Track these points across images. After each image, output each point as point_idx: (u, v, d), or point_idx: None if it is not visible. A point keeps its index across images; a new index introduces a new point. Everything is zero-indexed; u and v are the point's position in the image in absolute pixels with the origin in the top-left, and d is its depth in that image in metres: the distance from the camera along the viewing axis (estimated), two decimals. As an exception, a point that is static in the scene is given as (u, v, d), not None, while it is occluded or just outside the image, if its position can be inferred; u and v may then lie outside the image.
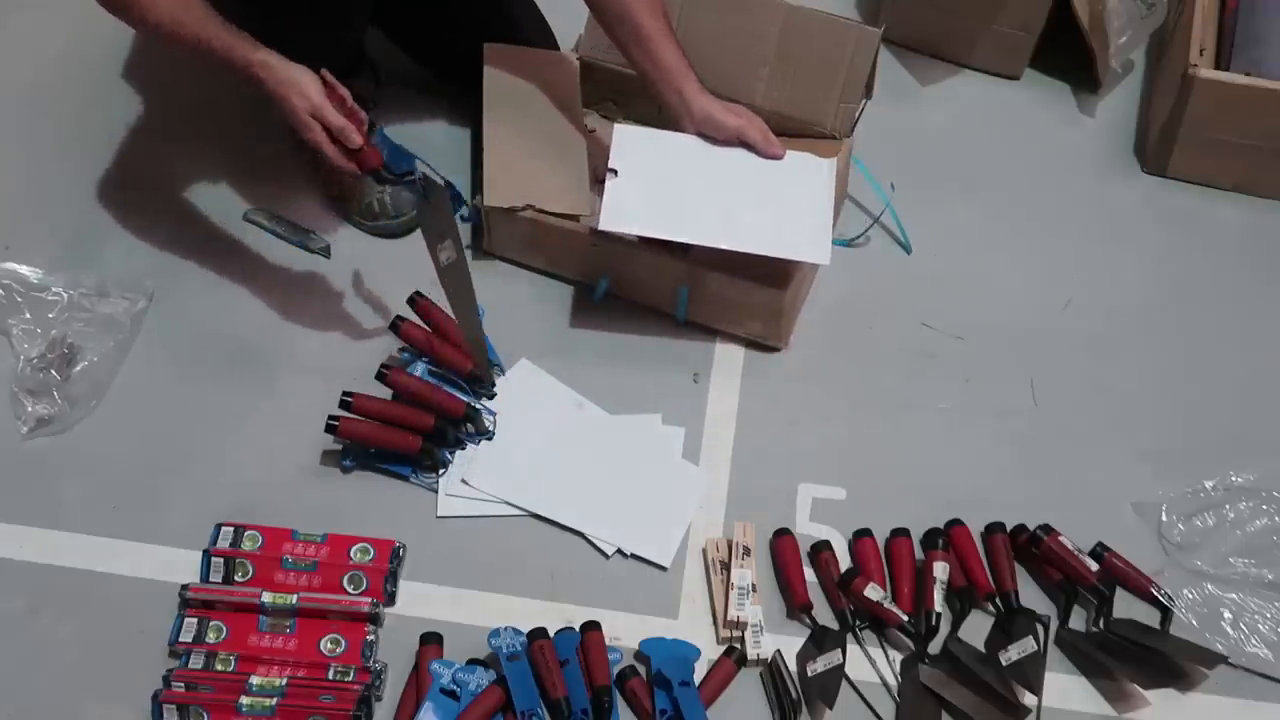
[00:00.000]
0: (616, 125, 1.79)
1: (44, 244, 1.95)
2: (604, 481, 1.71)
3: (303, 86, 1.60)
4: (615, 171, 1.74)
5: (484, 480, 1.70)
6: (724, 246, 1.70)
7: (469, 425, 1.71)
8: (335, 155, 1.63)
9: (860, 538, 1.65)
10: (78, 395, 1.77)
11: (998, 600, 1.59)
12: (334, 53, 1.88)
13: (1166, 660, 1.54)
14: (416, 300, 1.79)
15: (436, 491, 1.70)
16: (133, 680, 1.52)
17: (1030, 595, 1.61)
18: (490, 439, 1.74)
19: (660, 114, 2.04)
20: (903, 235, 1.99)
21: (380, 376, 1.69)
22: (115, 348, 1.82)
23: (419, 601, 1.61)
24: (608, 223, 1.72)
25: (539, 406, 1.77)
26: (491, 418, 1.75)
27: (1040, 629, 1.55)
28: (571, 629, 1.56)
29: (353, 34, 1.91)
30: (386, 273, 1.91)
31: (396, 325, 1.78)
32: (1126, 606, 1.59)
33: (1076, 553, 1.59)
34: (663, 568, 1.64)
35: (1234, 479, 1.72)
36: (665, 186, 1.74)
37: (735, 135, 1.75)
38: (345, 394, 1.68)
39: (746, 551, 1.61)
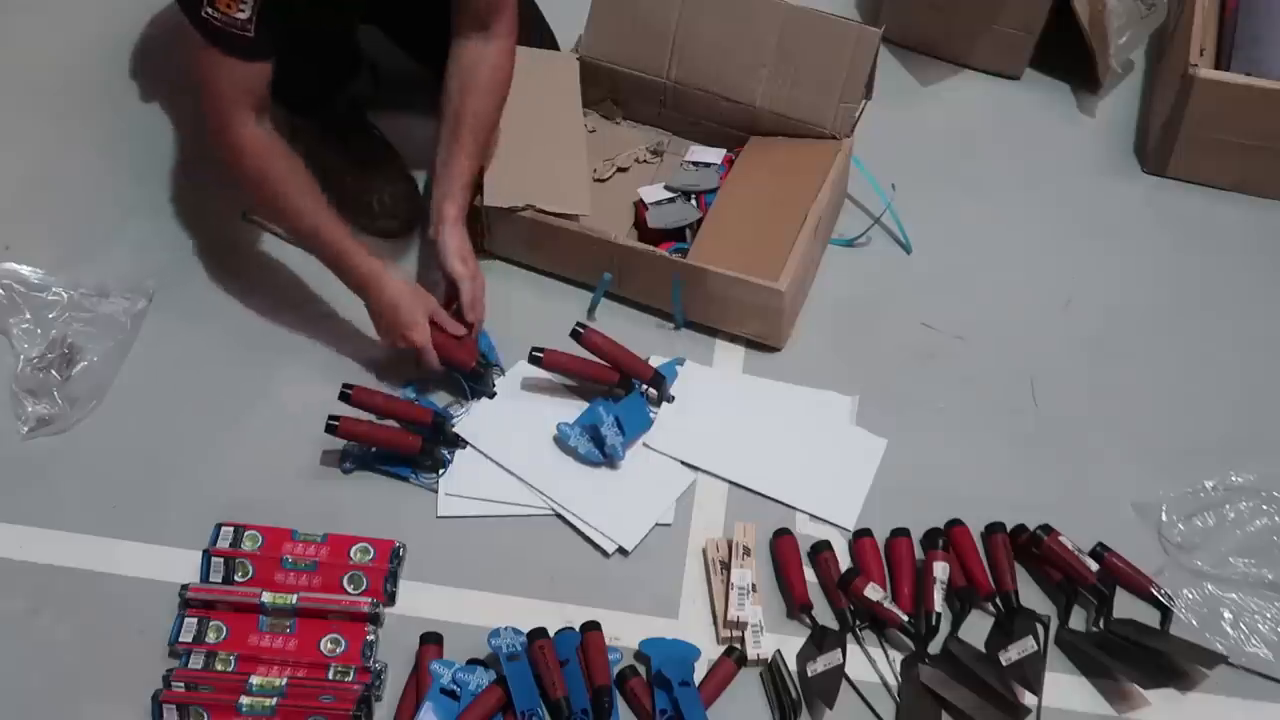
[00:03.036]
0: (687, 361, 1.81)
1: (44, 244, 1.95)
2: (785, 450, 1.75)
3: (409, 328, 1.71)
4: (673, 397, 1.77)
5: (665, 442, 1.75)
6: (760, 490, 1.71)
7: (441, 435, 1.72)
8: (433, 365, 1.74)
9: (860, 538, 1.65)
10: (78, 395, 1.77)
11: (998, 600, 1.59)
12: (329, 50, 1.88)
13: (1166, 660, 1.54)
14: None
15: (436, 491, 1.70)
16: (133, 680, 1.52)
17: (1030, 595, 1.61)
18: (492, 397, 1.78)
19: (660, 114, 2.05)
20: (903, 235, 1.99)
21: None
22: (115, 348, 1.82)
23: (419, 601, 1.61)
24: (659, 446, 1.74)
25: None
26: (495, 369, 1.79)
27: (1040, 629, 1.55)
28: (571, 629, 1.56)
29: (346, 30, 1.91)
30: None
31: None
32: (1126, 606, 1.59)
33: (1076, 553, 1.59)
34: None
35: (1234, 479, 1.72)
36: (713, 424, 1.76)
37: (449, 277, 1.76)
38: (345, 386, 1.68)
39: (746, 551, 1.61)
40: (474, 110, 1.76)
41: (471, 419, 1.76)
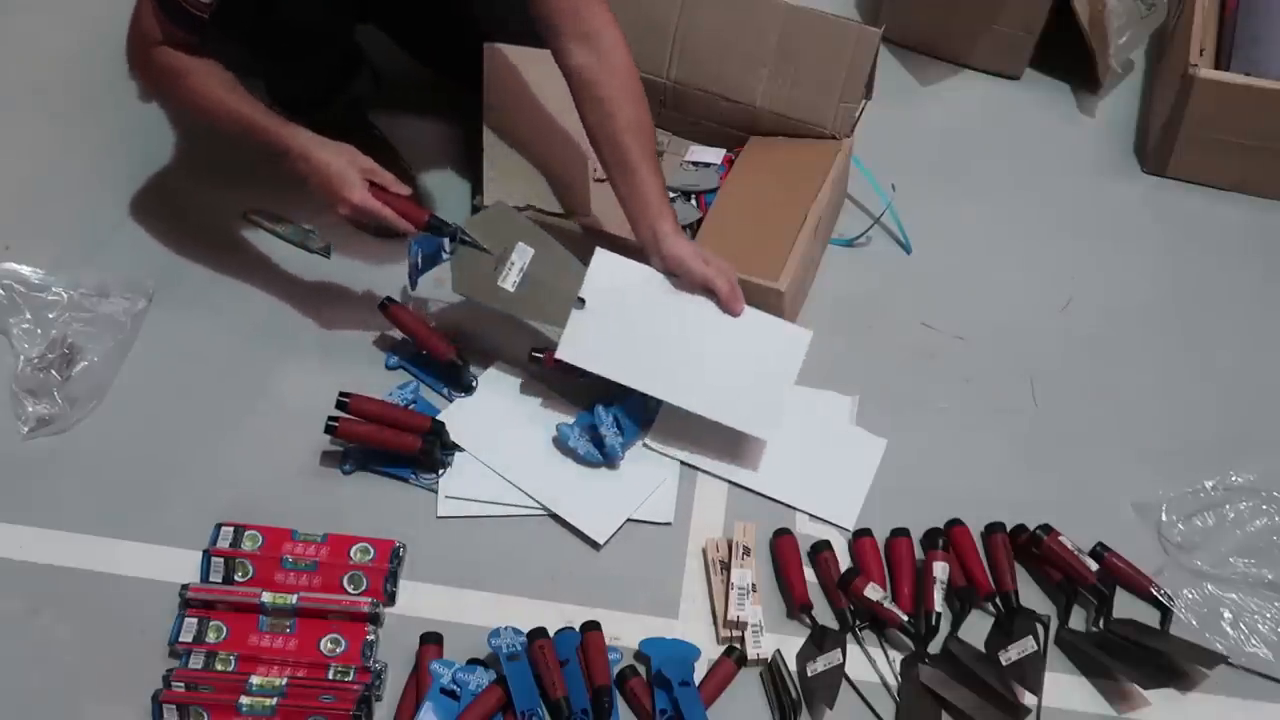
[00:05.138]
0: (598, 250, 1.72)
1: (44, 244, 1.95)
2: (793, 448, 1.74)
3: (343, 187, 1.62)
4: (583, 301, 1.70)
5: (665, 442, 1.73)
6: (676, 404, 1.68)
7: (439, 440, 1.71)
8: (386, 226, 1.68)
9: (860, 537, 1.65)
10: (78, 395, 1.77)
11: (998, 600, 1.59)
12: (328, 50, 1.88)
13: (1166, 660, 1.54)
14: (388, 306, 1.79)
15: (436, 492, 1.70)
16: (133, 680, 1.52)
17: (1030, 595, 1.61)
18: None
19: (660, 114, 2.05)
20: (903, 235, 1.99)
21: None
22: (115, 348, 1.82)
23: (419, 601, 1.61)
24: (566, 353, 1.69)
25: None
26: None
27: (1040, 629, 1.55)
28: (571, 629, 1.56)
29: (344, 30, 1.91)
30: (386, 273, 1.91)
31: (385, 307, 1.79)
32: (1126, 606, 1.59)
33: (1076, 553, 1.59)
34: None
35: (1234, 479, 1.72)
36: (631, 329, 1.69)
37: (702, 282, 1.67)
38: (341, 394, 1.68)
39: (746, 551, 1.61)
40: (626, 124, 1.66)
41: (454, 414, 1.75)
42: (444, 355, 1.77)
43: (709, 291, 1.68)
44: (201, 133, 2.09)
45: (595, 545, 1.65)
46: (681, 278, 1.69)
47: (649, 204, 1.66)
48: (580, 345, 1.69)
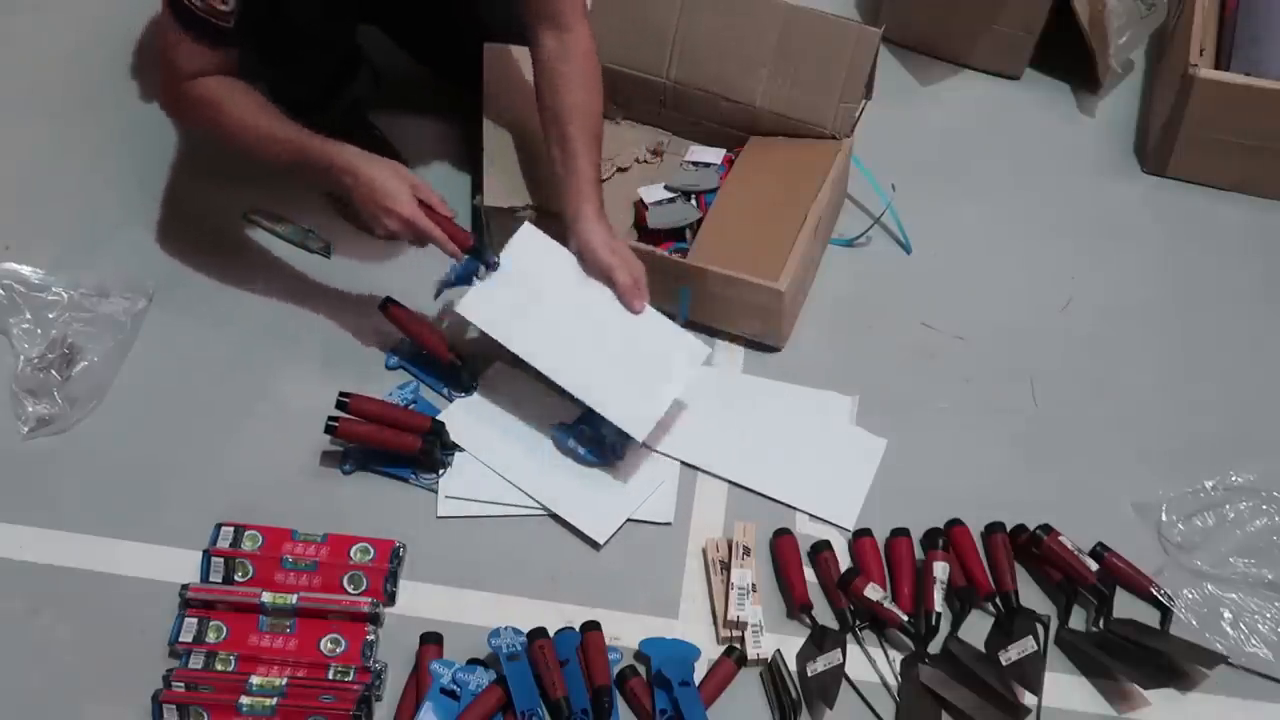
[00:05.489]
0: (525, 223, 1.74)
1: (44, 244, 1.95)
2: (783, 449, 1.74)
3: (393, 200, 1.61)
4: (497, 264, 1.69)
5: (665, 442, 1.72)
6: (562, 385, 1.68)
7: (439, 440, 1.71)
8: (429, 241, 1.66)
9: (860, 537, 1.65)
10: (78, 395, 1.77)
11: (998, 600, 1.59)
12: (329, 51, 1.88)
13: (1166, 660, 1.54)
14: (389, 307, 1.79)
15: (436, 492, 1.70)
16: (133, 680, 1.52)
17: (1030, 595, 1.61)
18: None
19: (660, 114, 2.05)
20: (903, 235, 1.99)
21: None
22: (115, 348, 1.82)
23: (419, 601, 1.61)
24: (467, 310, 1.69)
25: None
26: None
27: (1040, 629, 1.55)
28: (571, 629, 1.56)
29: (345, 31, 1.91)
30: (386, 273, 1.91)
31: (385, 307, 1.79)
32: (1127, 606, 1.59)
33: (1076, 553, 1.59)
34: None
35: (1234, 479, 1.72)
36: (537, 303, 1.70)
37: (605, 270, 1.68)
38: (341, 394, 1.68)
39: (746, 551, 1.61)
40: (574, 104, 1.70)
41: (454, 414, 1.75)
42: (444, 355, 1.77)
43: (610, 281, 1.69)
44: (201, 133, 2.09)
45: (595, 545, 1.65)
46: (588, 262, 1.70)
47: (579, 184, 1.70)
48: (484, 307, 1.69)
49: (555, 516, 1.68)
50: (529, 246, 1.73)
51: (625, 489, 1.70)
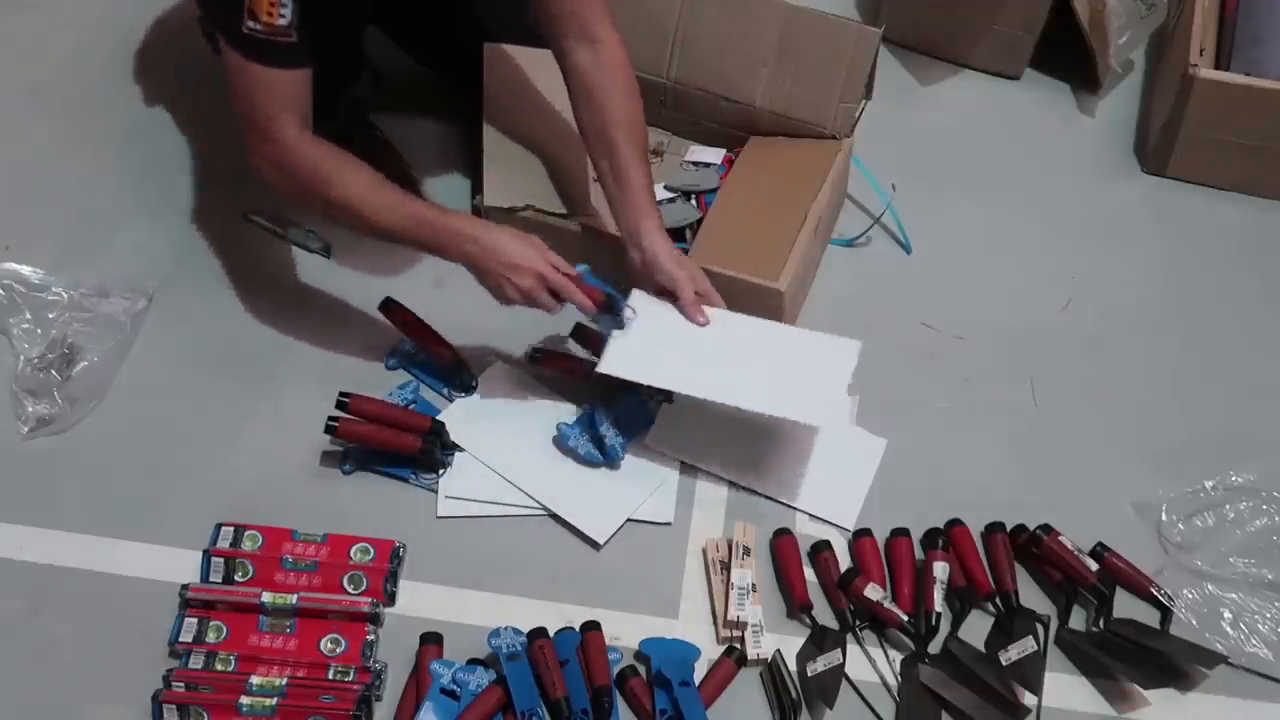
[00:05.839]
0: (635, 290, 1.70)
1: (44, 244, 1.95)
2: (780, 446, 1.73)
3: (529, 260, 1.58)
4: (625, 321, 1.67)
5: (665, 442, 1.72)
6: (732, 403, 1.63)
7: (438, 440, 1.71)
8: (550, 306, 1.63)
9: (860, 537, 1.65)
10: (78, 395, 1.77)
11: (998, 600, 1.59)
12: (333, 53, 1.88)
13: (1166, 660, 1.54)
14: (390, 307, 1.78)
15: (436, 492, 1.70)
16: (133, 680, 1.52)
17: (1030, 595, 1.61)
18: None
19: (660, 114, 2.05)
20: (903, 235, 1.99)
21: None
22: (115, 348, 1.82)
23: (419, 601, 1.61)
24: (609, 368, 1.64)
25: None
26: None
27: (1040, 629, 1.55)
28: (571, 629, 1.56)
29: (355, 35, 1.91)
30: (386, 273, 1.91)
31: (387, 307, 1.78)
32: (1127, 606, 1.59)
33: (1076, 553, 1.59)
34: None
35: (1234, 479, 1.72)
36: (675, 344, 1.67)
37: (669, 281, 1.65)
38: (342, 394, 1.68)
39: (746, 551, 1.61)
40: (618, 118, 1.67)
41: (454, 414, 1.75)
42: (444, 355, 1.78)
43: (671, 295, 1.67)
44: (202, 133, 2.09)
45: (595, 545, 1.65)
46: (653, 274, 1.67)
47: (637, 200, 1.67)
48: (623, 361, 1.66)
49: (555, 517, 1.68)
50: (644, 302, 1.70)
51: (625, 489, 1.70)
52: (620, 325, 1.67)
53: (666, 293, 1.68)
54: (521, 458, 1.72)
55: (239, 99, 1.57)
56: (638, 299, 1.71)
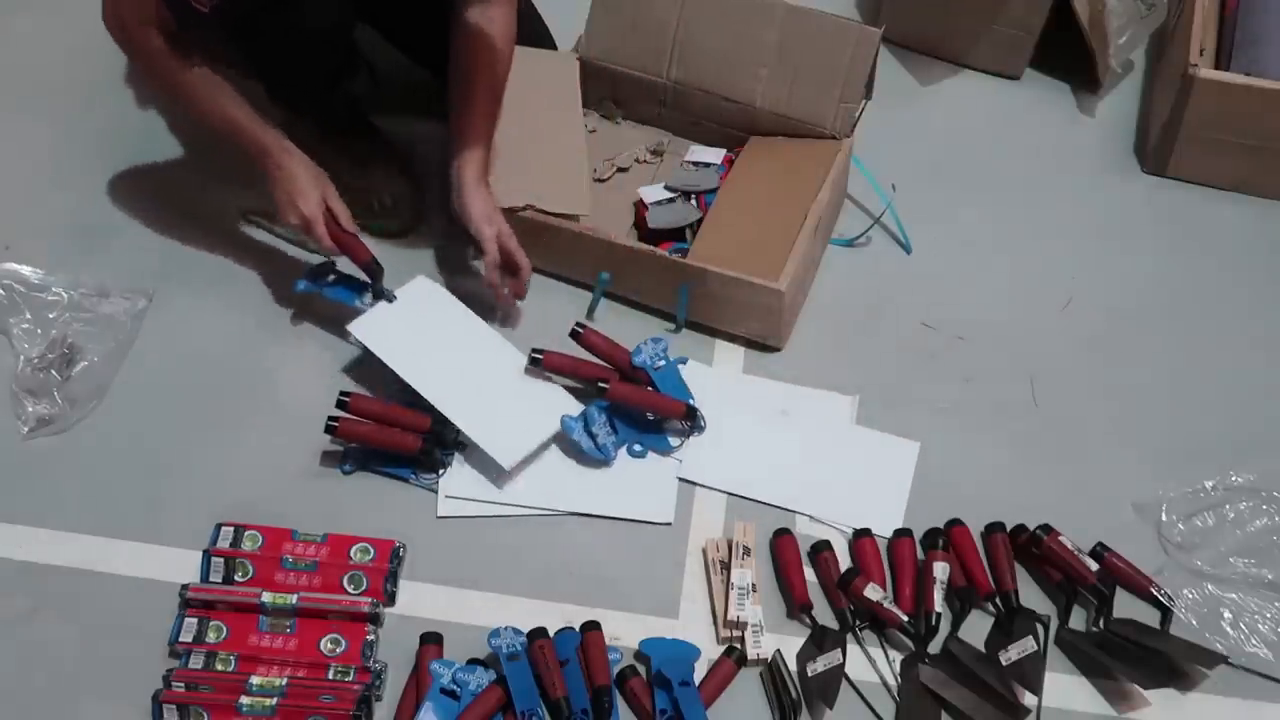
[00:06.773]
0: (420, 277, 1.82)
1: (44, 244, 1.95)
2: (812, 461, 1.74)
3: (300, 197, 1.71)
4: (394, 297, 1.78)
5: (699, 472, 1.72)
6: (448, 415, 1.69)
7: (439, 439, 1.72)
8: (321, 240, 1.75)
9: (860, 537, 1.65)
10: (78, 395, 1.77)
11: (998, 600, 1.59)
12: (325, 49, 1.88)
13: (1166, 660, 1.54)
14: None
15: (436, 491, 1.70)
16: (133, 680, 1.52)
17: (1030, 595, 1.61)
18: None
19: (660, 114, 2.05)
20: (903, 235, 1.99)
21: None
22: (115, 348, 1.82)
23: (419, 601, 1.61)
24: (359, 331, 1.75)
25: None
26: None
27: (1040, 629, 1.55)
28: (571, 629, 1.56)
29: (341, 27, 1.91)
30: (386, 272, 1.91)
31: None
32: (1127, 606, 1.59)
33: (1076, 553, 1.59)
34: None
35: (1234, 479, 1.72)
36: (429, 340, 1.76)
37: (476, 235, 1.75)
38: (342, 394, 1.68)
39: (746, 551, 1.61)
40: (484, 67, 1.76)
41: (369, 322, 1.77)
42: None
43: (478, 247, 1.76)
44: (201, 133, 2.09)
45: (502, 470, 1.66)
46: (463, 221, 1.75)
47: (467, 145, 1.75)
48: (376, 332, 1.75)
49: (560, 515, 1.68)
50: (425, 293, 1.82)
51: (625, 489, 1.69)
52: (385, 296, 1.78)
53: (475, 243, 1.76)
54: (435, 371, 1.73)
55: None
56: (425, 288, 1.81)
